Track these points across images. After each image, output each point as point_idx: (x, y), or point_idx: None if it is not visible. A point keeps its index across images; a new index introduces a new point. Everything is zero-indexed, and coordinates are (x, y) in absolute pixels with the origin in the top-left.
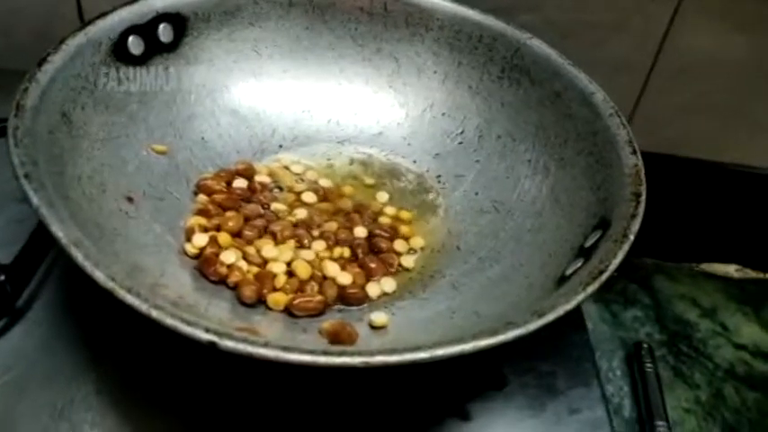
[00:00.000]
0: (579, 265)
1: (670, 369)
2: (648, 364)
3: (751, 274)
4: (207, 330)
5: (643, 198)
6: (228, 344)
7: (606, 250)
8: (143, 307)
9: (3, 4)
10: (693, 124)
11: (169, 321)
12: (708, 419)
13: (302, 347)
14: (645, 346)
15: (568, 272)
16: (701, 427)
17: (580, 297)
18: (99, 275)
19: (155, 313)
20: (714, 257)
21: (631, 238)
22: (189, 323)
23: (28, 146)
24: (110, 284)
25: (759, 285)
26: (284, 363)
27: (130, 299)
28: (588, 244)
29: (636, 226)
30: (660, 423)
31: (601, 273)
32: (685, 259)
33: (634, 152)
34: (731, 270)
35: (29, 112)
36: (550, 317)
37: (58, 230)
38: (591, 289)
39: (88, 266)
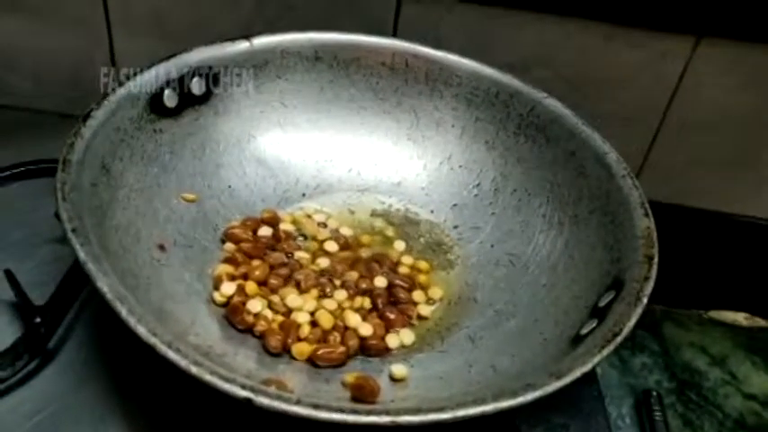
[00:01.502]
0: (594, 325)
1: (679, 417)
2: (657, 413)
3: (760, 322)
4: (243, 387)
5: (655, 261)
6: (263, 401)
7: (620, 312)
8: (183, 363)
9: (37, 48)
10: (702, 175)
11: (207, 378)
12: None
13: (332, 405)
14: (654, 394)
15: (583, 332)
16: None
17: (596, 360)
18: (142, 331)
19: (194, 369)
20: (723, 305)
21: (644, 300)
22: (226, 380)
23: (74, 200)
24: (152, 340)
25: None
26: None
27: (172, 355)
28: (602, 304)
29: (649, 288)
30: None
31: (615, 335)
32: (694, 306)
33: (646, 214)
34: (740, 318)
35: (74, 166)
36: (567, 379)
37: (103, 286)
38: (606, 351)
39: (132, 321)
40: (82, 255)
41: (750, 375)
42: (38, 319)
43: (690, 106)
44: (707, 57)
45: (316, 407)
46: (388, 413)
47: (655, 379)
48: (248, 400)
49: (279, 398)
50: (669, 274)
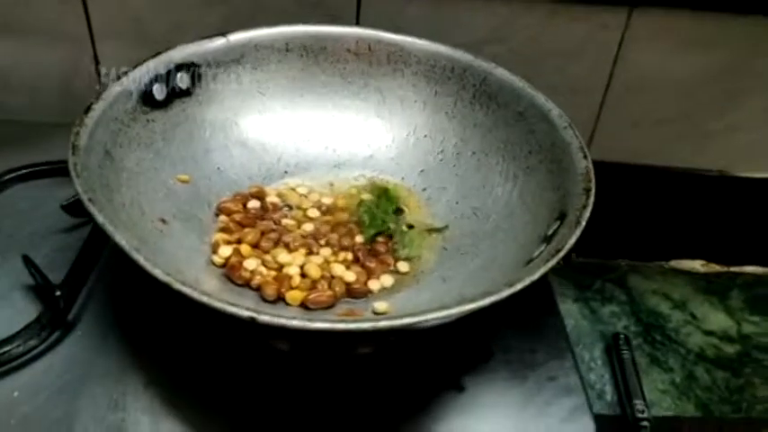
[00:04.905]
0: (542, 249)
1: (646, 356)
2: (626, 352)
3: (715, 267)
4: (247, 309)
5: (592, 192)
6: (264, 318)
7: (563, 235)
8: (194, 294)
9: (28, 65)
10: (650, 134)
11: (216, 304)
12: (682, 398)
13: (323, 318)
14: (622, 336)
15: (534, 255)
16: (676, 405)
17: (542, 271)
18: (158, 272)
19: (205, 299)
20: (681, 255)
21: (583, 223)
22: (232, 305)
23: (85, 178)
24: (167, 278)
25: (723, 277)
26: (308, 331)
27: (185, 289)
28: (550, 232)
29: (587, 214)
30: (638, 402)
31: (558, 251)
32: (656, 258)
33: (585, 157)
34: (697, 265)
35: (82, 150)
36: (519, 286)
37: (121, 240)
38: (550, 264)
39: (148, 266)
40: (100, 218)
41: (708, 315)
42: (58, 293)
43: (630, 72)
44: (641, 25)
45: (309, 320)
46: (369, 320)
47: (623, 325)
48: (252, 319)
49: (277, 315)
50: (632, 231)
